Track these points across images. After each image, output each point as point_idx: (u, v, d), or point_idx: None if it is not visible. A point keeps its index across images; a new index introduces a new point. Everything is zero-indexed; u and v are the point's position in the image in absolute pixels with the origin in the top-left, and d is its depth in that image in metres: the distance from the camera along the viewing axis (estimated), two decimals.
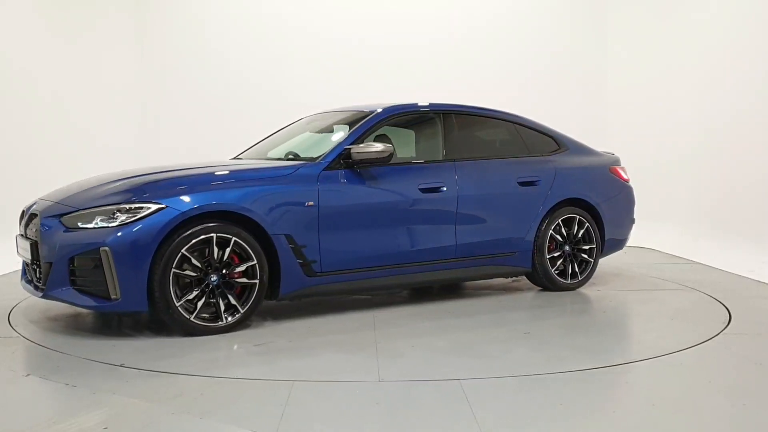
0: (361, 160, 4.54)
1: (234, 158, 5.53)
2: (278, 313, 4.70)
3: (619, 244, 5.87)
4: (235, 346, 3.91)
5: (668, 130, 8.96)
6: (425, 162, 5.12)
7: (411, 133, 5.36)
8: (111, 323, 4.42)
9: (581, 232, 5.47)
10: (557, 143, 5.66)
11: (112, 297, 3.88)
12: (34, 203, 4.52)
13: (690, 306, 5.00)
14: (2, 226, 7.05)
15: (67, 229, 4.01)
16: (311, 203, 4.37)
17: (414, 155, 5.28)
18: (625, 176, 5.93)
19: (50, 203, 4.32)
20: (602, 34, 9.74)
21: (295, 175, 4.43)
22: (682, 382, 3.41)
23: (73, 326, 4.34)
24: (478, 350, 3.84)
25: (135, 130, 9.56)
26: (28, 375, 3.40)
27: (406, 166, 4.95)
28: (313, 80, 9.40)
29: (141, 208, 3.95)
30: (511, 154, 5.42)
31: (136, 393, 3.09)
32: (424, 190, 4.81)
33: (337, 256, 4.50)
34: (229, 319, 4.12)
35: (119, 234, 3.87)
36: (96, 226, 3.94)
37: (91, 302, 3.96)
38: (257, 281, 4.18)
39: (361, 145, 4.57)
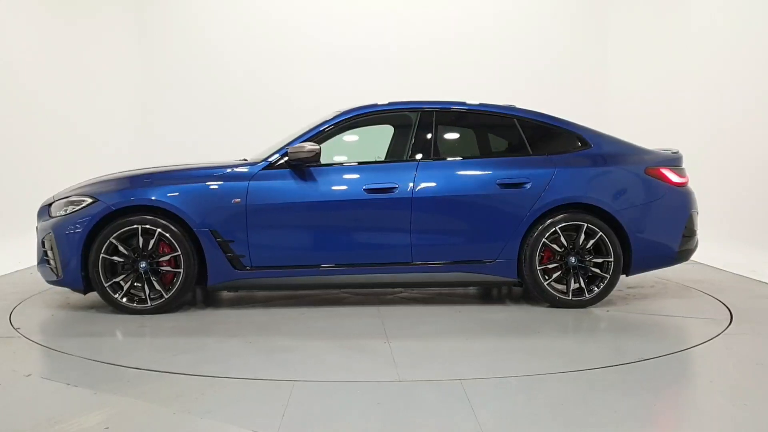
0: (296, 159, 4.67)
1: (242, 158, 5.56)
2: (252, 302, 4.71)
3: (663, 258, 4.99)
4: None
5: (669, 129, 8.95)
6: (381, 162, 5.10)
7: (389, 133, 5.33)
8: (111, 324, 4.43)
9: (591, 242, 4.79)
10: (579, 140, 5.01)
11: (59, 275, 4.63)
12: None
13: (691, 306, 5.00)
14: (2, 227, 7.06)
15: (48, 217, 4.74)
16: (238, 200, 4.61)
17: (386, 155, 5.24)
18: (675, 179, 4.98)
19: (51, 196, 4.96)
20: (603, 33, 9.74)
21: (227, 174, 4.72)
22: (683, 382, 3.41)
23: (74, 326, 4.36)
24: (473, 351, 3.84)
25: (135, 131, 9.57)
26: (29, 375, 3.40)
27: (357, 167, 4.88)
28: (314, 79, 9.41)
29: (82, 201, 4.61)
30: (501, 153, 5.10)
31: (137, 393, 3.09)
32: (370, 191, 4.71)
33: (268, 252, 4.67)
34: (155, 302, 4.61)
35: (61, 223, 4.61)
36: (58, 215, 4.66)
37: (54, 278, 4.69)
38: (182, 270, 4.57)
39: (296, 146, 4.69)
